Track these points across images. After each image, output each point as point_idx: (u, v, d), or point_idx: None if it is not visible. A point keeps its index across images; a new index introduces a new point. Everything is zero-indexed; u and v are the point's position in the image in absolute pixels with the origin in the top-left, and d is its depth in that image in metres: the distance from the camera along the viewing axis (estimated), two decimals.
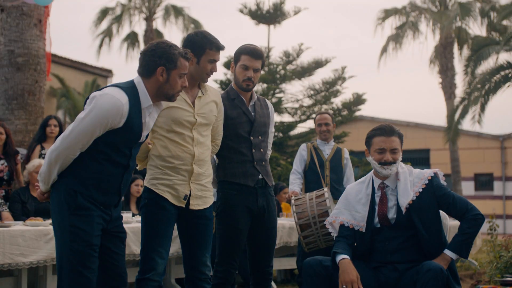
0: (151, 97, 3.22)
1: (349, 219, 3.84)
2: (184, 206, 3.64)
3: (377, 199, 3.83)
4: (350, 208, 3.87)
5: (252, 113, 4.11)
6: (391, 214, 3.77)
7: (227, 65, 14.46)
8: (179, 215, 3.68)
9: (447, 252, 3.67)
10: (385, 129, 3.82)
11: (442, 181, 3.82)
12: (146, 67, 3.21)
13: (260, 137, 4.10)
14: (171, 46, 3.23)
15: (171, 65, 3.20)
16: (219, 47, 3.73)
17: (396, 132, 3.84)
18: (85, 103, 3.13)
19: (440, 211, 3.81)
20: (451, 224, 5.66)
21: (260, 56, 4.05)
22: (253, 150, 4.06)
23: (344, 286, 3.55)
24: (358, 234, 3.81)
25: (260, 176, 4.06)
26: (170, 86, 3.23)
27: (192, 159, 3.65)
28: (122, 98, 3.08)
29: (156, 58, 3.18)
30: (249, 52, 4.03)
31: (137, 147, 3.30)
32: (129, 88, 3.16)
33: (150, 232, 3.59)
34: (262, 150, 4.11)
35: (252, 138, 4.06)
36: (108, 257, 3.25)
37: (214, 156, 4.12)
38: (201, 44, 3.69)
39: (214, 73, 3.77)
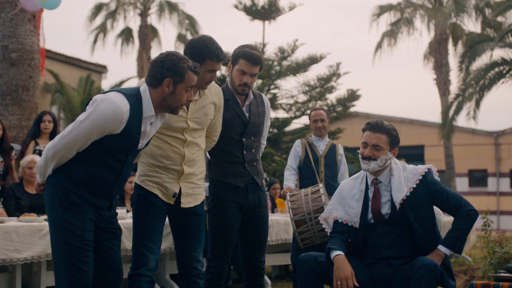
0: (155, 107, 3.21)
1: (342, 215, 3.84)
2: (173, 203, 3.64)
3: (370, 195, 3.83)
4: (344, 204, 3.86)
5: (247, 114, 4.08)
6: (385, 209, 3.77)
7: (224, 62, 14.38)
8: (170, 211, 3.69)
9: (440, 247, 3.68)
10: (372, 125, 3.82)
11: (436, 177, 3.82)
12: (153, 77, 3.21)
13: (252, 138, 4.10)
14: (180, 59, 3.21)
15: (178, 78, 3.19)
16: (219, 58, 3.64)
17: (385, 129, 3.80)
18: (87, 104, 3.15)
19: (434, 207, 3.82)
20: (445, 220, 5.67)
21: (259, 61, 4.00)
22: (245, 152, 4.06)
23: (338, 282, 3.56)
24: (352, 230, 3.81)
25: (250, 175, 4.07)
26: (175, 98, 3.22)
27: (182, 160, 3.64)
28: (124, 106, 3.08)
29: (164, 70, 3.18)
30: (248, 58, 3.97)
31: (134, 154, 3.30)
32: (133, 96, 3.16)
33: (141, 228, 3.59)
34: (253, 150, 4.11)
35: (244, 139, 4.06)
36: (103, 253, 3.28)
37: (207, 153, 4.12)
38: (202, 54, 3.61)
39: (213, 81, 3.73)
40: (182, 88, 3.21)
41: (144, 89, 3.22)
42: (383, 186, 3.82)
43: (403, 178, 3.78)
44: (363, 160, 3.78)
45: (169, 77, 3.18)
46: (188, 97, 3.26)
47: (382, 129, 3.80)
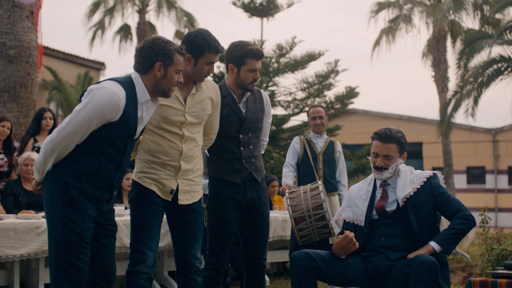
0: (148, 92, 3.26)
1: (349, 215, 3.95)
2: (170, 200, 3.65)
3: (378, 196, 3.91)
4: (351, 204, 3.97)
5: (243, 110, 4.09)
6: (390, 208, 3.85)
7: (221, 58, 14.40)
8: (168, 208, 3.69)
9: (431, 243, 3.73)
10: (381, 135, 3.87)
11: (442, 183, 3.90)
12: (143, 63, 3.26)
13: (250, 134, 4.10)
14: (167, 42, 3.28)
15: (168, 61, 3.26)
16: (218, 51, 3.69)
17: (394, 138, 3.85)
18: (82, 95, 3.15)
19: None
20: None
21: (263, 54, 4.06)
22: (241, 148, 4.06)
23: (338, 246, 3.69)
24: (357, 228, 3.90)
25: (248, 171, 4.07)
26: (167, 81, 3.28)
27: (179, 156, 3.64)
28: (120, 92, 3.11)
29: (153, 54, 3.24)
30: (255, 55, 3.99)
31: (132, 143, 3.31)
32: (127, 83, 3.20)
33: (138, 225, 3.60)
34: (251, 147, 4.10)
35: (241, 136, 4.06)
36: (98, 251, 3.27)
37: (206, 151, 4.12)
38: (201, 46, 3.65)
39: (210, 74, 3.76)
40: (172, 70, 3.28)
41: (136, 76, 3.27)
42: (391, 188, 3.90)
43: (408, 180, 3.86)
44: (376, 170, 3.87)
45: (160, 61, 3.24)
46: (178, 79, 3.33)
47: (391, 138, 3.85)
